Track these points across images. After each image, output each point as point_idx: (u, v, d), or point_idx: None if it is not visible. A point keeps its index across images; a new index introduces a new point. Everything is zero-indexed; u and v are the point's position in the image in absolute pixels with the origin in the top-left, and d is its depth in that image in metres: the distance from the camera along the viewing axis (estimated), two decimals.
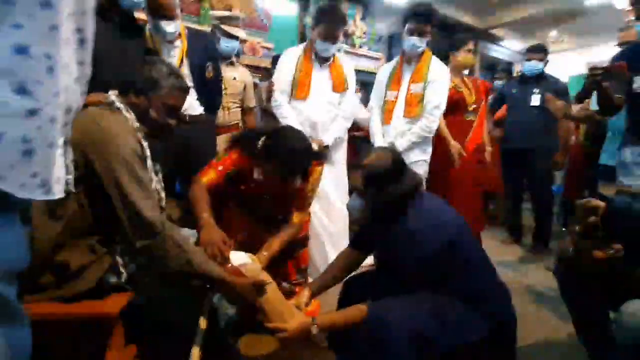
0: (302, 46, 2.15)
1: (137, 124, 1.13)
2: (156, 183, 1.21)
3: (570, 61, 6.02)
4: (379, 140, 2.19)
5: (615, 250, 0.88)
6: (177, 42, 1.85)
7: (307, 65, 2.05)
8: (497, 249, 2.89)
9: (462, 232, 1.14)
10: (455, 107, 2.32)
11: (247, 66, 2.74)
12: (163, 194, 1.29)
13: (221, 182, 1.42)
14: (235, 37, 2.34)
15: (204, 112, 1.93)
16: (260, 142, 1.37)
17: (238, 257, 1.20)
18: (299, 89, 2.04)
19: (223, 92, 2.18)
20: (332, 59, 2.12)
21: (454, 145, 2.25)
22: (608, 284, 1.02)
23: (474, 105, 2.37)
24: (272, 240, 1.41)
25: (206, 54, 1.94)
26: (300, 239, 1.65)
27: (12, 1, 0.49)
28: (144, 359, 1.18)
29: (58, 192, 0.58)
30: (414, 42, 2.07)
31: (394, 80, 2.18)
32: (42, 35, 0.52)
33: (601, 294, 1.06)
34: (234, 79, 2.40)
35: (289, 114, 2.06)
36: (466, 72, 2.52)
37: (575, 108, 2.57)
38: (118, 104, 1.13)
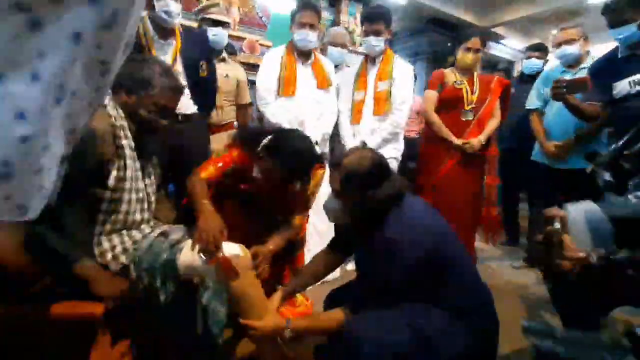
0: (284, 46, 2.20)
1: (122, 122, 1.11)
2: (143, 181, 1.20)
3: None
4: (349, 140, 2.22)
5: (578, 259, 0.84)
6: (171, 40, 1.84)
7: (290, 63, 2.10)
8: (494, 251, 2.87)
9: (445, 240, 1.09)
10: (450, 104, 2.30)
11: (246, 64, 2.73)
12: (153, 196, 1.28)
13: (220, 179, 1.41)
14: (220, 23, 2.29)
15: (197, 112, 1.92)
16: (263, 141, 1.35)
17: (230, 248, 1.18)
18: (285, 86, 2.06)
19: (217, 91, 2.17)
20: (313, 56, 2.17)
21: (458, 142, 2.25)
22: (597, 290, 1.00)
23: (473, 105, 2.29)
24: (274, 237, 1.40)
25: (200, 52, 1.92)
26: (297, 240, 1.63)
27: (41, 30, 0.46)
28: (133, 358, 1.19)
29: (33, 214, 0.56)
30: (371, 42, 2.15)
31: (360, 80, 2.23)
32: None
33: (590, 299, 1.04)
34: (226, 76, 2.36)
35: (277, 111, 2.06)
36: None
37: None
38: (106, 101, 1.12)
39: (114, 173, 1.08)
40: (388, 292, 1.06)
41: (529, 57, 2.84)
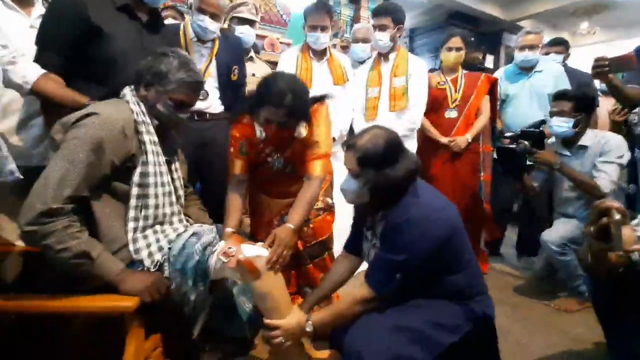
0: (299, 45, 2.24)
1: (143, 118, 1.12)
2: (168, 177, 1.20)
3: (602, 55, 5.74)
4: None
5: (632, 251, 0.81)
6: (209, 44, 1.87)
7: (306, 62, 2.14)
8: None
9: (458, 223, 1.11)
10: (436, 105, 2.30)
11: (267, 62, 2.74)
12: (181, 190, 1.30)
13: (248, 160, 1.43)
14: (247, 21, 2.30)
15: (224, 111, 1.93)
16: (250, 98, 1.33)
17: (251, 249, 1.19)
18: None
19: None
20: (328, 53, 2.19)
21: (444, 140, 2.27)
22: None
23: (457, 103, 2.29)
24: (293, 208, 1.35)
25: (233, 57, 1.96)
26: (323, 240, 1.58)
27: None
28: (165, 350, 1.22)
29: None
30: (378, 37, 2.16)
31: (374, 77, 2.24)
32: None
33: (634, 302, 0.99)
34: (253, 75, 2.39)
35: None
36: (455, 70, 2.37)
37: (610, 102, 2.45)
38: (128, 97, 1.14)
39: (138, 169, 1.10)
40: (403, 271, 1.06)
41: (546, 53, 2.73)
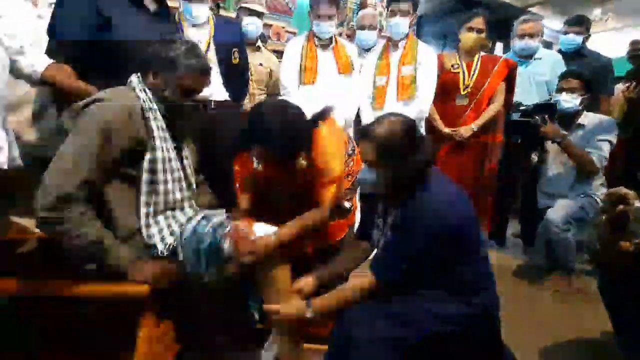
0: (304, 34, 2.23)
1: (150, 104, 1.13)
2: (178, 163, 1.21)
3: (615, 42, 5.61)
4: None
5: None
6: (205, 28, 1.87)
7: (311, 51, 2.12)
8: None
9: (471, 214, 1.11)
10: (447, 89, 2.22)
11: (273, 52, 2.73)
12: (192, 177, 1.31)
13: (254, 192, 1.42)
14: (256, 13, 2.31)
15: (229, 99, 1.93)
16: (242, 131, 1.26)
17: (262, 229, 1.18)
18: (306, 74, 2.09)
19: (250, 79, 2.19)
20: (333, 41, 2.17)
21: (446, 130, 2.21)
22: None
23: (469, 89, 2.19)
24: (287, 225, 1.26)
25: (233, 40, 1.94)
26: (335, 244, 1.53)
27: None
28: (177, 335, 1.24)
29: None
30: (397, 22, 2.12)
31: (382, 65, 2.20)
32: None
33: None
34: (260, 64, 2.40)
35: (300, 100, 2.05)
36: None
37: (620, 88, 2.42)
38: (135, 84, 1.14)
39: (147, 155, 1.11)
40: (414, 260, 1.05)
41: (566, 32, 2.60)
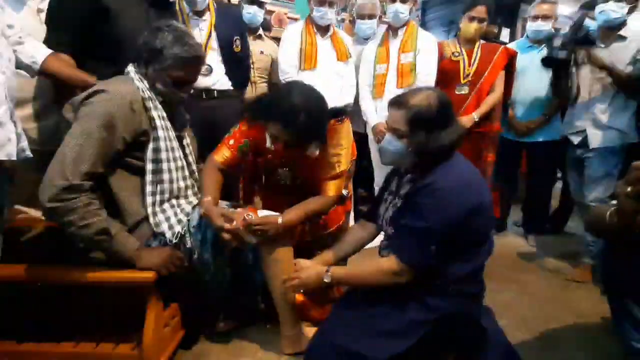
0: (302, 20, 2.23)
1: (149, 94, 1.13)
2: (180, 152, 1.23)
3: None
4: (371, 115, 2.20)
5: None
6: (206, 16, 1.87)
7: (310, 37, 2.12)
8: None
9: (488, 202, 1.07)
10: (447, 78, 2.18)
11: (274, 40, 2.71)
12: (194, 165, 1.33)
13: (238, 158, 1.35)
14: (255, 2, 2.31)
15: (232, 88, 1.94)
16: (262, 102, 1.25)
17: (266, 214, 1.21)
18: (306, 60, 2.09)
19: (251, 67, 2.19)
20: (331, 29, 2.17)
21: None
22: None
23: (470, 78, 2.15)
24: (293, 208, 1.27)
25: (234, 28, 1.94)
26: (333, 232, 1.53)
27: None
28: (183, 318, 1.29)
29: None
30: (397, 9, 2.10)
31: (382, 53, 2.18)
32: None
33: None
34: (261, 52, 2.39)
35: None
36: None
37: None
38: (132, 74, 1.14)
39: (150, 145, 1.12)
40: (427, 241, 1.01)
41: (631, 11, 2.48)
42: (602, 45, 1.87)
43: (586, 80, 1.93)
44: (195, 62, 1.16)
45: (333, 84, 2.12)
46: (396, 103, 1.07)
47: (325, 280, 1.11)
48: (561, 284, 1.95)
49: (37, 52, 1.22)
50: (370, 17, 2.34)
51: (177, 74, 1.13)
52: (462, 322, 1.07)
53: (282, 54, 2.14)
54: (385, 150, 1.10)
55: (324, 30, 2.15)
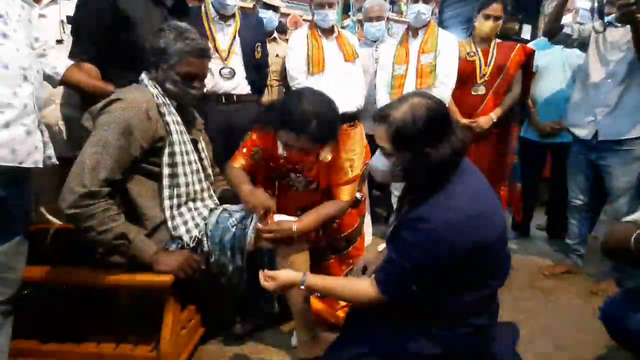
0: (307, 25, 2.23)
1: (163, 99, 1.15)
2: (195, 155, 1.24)
3: None
4: None
5: None
6: (231, 21, 1.90)
7: (316, 41, 2.11)
8: None
9: (492, 236, 0.90)
10: (463, 78, 2.12)
11: (288, 41, 2.72)
12: (209, 168, 1.35)
13: (252, 165, 1.37)
14: (271, 7, 2.33)
15: (250, 92, 1.96)
16: (272, 111, 1.25)
17: (282, 219, 1.21)
18: (314, 64, 2.08)
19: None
20: (336, 31, 2.17)
21: (464, 121, 2.10)
22: None
23: (486, 78, 2.09)
24: (307, 214, 1.27)
25: (256, 35, 1.98)
26: (348, 235, 1.53)
27: None
28: (201, 320, 1.31)
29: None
30: (419, 9, 2.05)
31: (401, 53, 2.14)
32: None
33: None
34: (277, 55, 2.40)
35: None
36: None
37: None
38: (145, 81, 1.17)
39: (166, 150, 1.14)
40: (406, 279, 0.91)
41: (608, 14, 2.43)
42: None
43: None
44: (199, 54, 1.17)
45: (342, 85, 2.11)
46: (379, 116, 0.93)
47: (300, 287, 1.01)
48: (587, 290, 1.87)
49: (59, 63, 1.26)
50: (379, 19, 2.34)
51: (184, 69, 1.15)
52: (469, 355, 0.99)
53: (290, 61, 2.15)
54: (374, 168, 1.00)
55: (328, 32, 2.14)
